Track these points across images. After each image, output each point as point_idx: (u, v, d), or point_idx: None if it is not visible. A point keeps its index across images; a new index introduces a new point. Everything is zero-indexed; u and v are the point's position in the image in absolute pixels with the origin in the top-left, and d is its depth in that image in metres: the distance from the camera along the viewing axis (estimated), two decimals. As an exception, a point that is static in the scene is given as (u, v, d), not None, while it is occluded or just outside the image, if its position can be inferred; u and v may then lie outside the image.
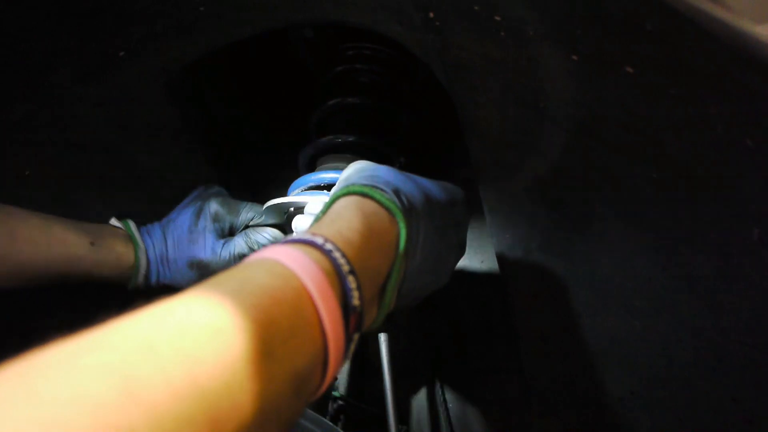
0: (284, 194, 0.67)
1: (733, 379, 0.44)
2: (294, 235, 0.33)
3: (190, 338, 0.22)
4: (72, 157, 0.65)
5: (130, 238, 0.63)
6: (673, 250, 0.47)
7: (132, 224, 0.64)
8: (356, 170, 0.45)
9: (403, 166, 0.73)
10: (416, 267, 0.41)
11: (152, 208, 0.71)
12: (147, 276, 0.64)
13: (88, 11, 0.52)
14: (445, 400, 0.81)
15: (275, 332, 0.25)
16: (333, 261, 0.31)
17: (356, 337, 0.32)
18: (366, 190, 0.39)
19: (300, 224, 0.55)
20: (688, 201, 0.44)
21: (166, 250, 0.64)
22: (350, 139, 0.68)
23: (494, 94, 0.56)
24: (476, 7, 0.44)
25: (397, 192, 0.40)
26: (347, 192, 0.39)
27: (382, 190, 0.39)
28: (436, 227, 0.43)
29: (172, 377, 0.20)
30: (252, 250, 0.66)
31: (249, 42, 0.65)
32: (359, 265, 0.32)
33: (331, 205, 0.39)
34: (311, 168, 0.72)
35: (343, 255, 0.31)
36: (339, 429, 0.57)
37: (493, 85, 0.55)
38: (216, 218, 0.66)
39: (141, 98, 0.68)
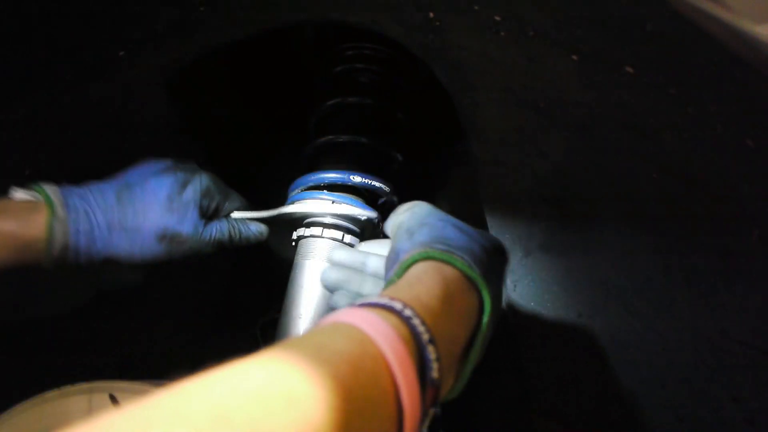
0: (284, 192, 0.67)
1: (733, 379, 0.44)
2: (370, 298, 0.32)
3: (266, 407, 0.21)
4: (72, 157, 0.65)
5: (48, 207, 0.51)
6: (673, 250, 0.48)
7: (48, 187, 0.53)
8: (415, 218, 0.44)
9: (401, 165, 0.73)
10: (491, 333, 0.39)
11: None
12: (75, 248, 0.53)
13: (88, 11, 0.52)
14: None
15: (352, 402, 0.24)
16: (412, 328, 0.30)
17: (432, 412, 0.31)
18: (446, 256, 0.37)
19: (330, 277, 0.52)
20: (688, 201, 0.44)
21: (124, 216, 0.55)
22: (350, 138, 0.68)
23: (494, 94, 0.56)
24: (476, 7, 0.44)
25: (473, 256, 0.39)
26: (426, 256, 0.38)
27: (460, 256, 0.38)
28: (498, 288, 0.42)
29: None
30: (232, 239, 0.61)
31: (249, 42, 0.65)
32: (438, 333, 0.31)
33: (408, 268, 0.38)
34: (311, 167, 0.72)
35: (423, 322, 0.30)
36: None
37: (493, 85, 0.55)
38: (207, 194, 0.60)
39: (141, 98, 0.68)
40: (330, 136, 0.68)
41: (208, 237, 0.59)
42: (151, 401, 0.20)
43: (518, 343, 0.68)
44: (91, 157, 0.67)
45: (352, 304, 0.31)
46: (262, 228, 0.64)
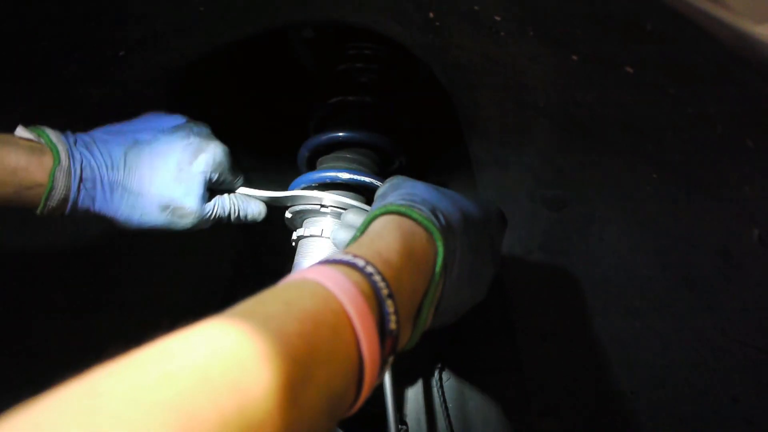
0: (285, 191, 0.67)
1: (733, 379, 0.44)
2: (336, 255, 0.33)
3: (241, 368, 0.23)
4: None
5: (49, 149, 0.48)
6: (673, 250, 0.48)
7: (51, 131, 0.49)
8: (392, 186, 0.45)
9: (404, 166, 0.73)
10: (452, 285, 0.41)
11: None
12: (73, 201, 0.50)
13: (89, 11, 0.52)
14: (445, 400, 0.81)
15: (316, 357, 0.26)
16: (373, 284, 0.32)
17: (391, 359, 0.33)
18: (403, 209, 0.39)
19: (339, 236, 0.54)
20: (688, 201, 0.44)
21: (129, 179, 0.51)
22: (351, 135, 0.68)
23: (494, 93, 0.56)
24: (476, 7, 0.44)
25: (434, 210, 0.40)
26: (385, 211, 0.40)
27: (419, 209, 0.40)
28: (471, 244, 0.43)
29: (224, 409, 0.21)
30: (229, 217, 0.59)
31: (249, 42, 0.65)
32: (397, 286, 0.33)
33: (370, 223, 0.40)
34: (311, 165, 0.72)
35: (383, 278, 0.32)
36: (339, 429, 0.57)
37: (492, 84, 0.55)
38: (217, 168, 0.56)
39: (141, 98, 0.68)
40: (330, 134, 0.68)
41: (209, 212, 0.57)
42: (138, 360, 0.21)
43: (518, 343, 0.68)
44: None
45: (319, 261, 0.33)
46: (262, 207, 0.62)
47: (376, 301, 0.31)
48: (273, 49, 0.85)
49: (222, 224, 0.60)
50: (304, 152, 0.70)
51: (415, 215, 0.39)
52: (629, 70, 0.38)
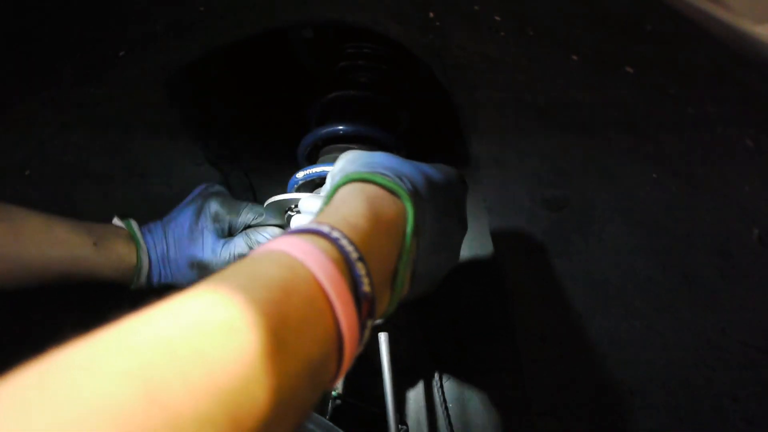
0: (285, 191, 0.67)
1: (733, 379, 0.44)
2: (299, 226, 0.33)
3: (207, 337, 0.22)
4: (72, 157, 0.65)
5: (132, 237, 0.62)
6: (673, 250, 0.48)
7: (134, 224, 0.64)
8: (350, 160, 0.44)
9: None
10: (426, 248, 0.40)
11: (152, 208, 0.71)
12: (149, 276, 0.63)
13: (88, 11, 0.52)
14: (445, 400, 0.81)
15: (288, 325, 0.25)
16: (340, 249, 0.31)
17: (370, 323, 0.32)
18: (367, 175, 0.38)
19: (298, 223, 0.54)
20: (688, 201, 0.44)
21: (167, 250, 0.64)
22: (351, 128, 0.67)
23: (494, 94, 0.56)
24: (476, 7, 0.44)
25: (398, 175, 0.40)
26: (347, 180, 0.39)
27: (383, 174, 0.39)
28: (438, 206, 0.43)
29: (192, 379, 0.20)
30: (252, 250, 0.64)
31: (249, 42, 0.65)
32: (367, 250, 0.32)
33: (333, 194, 0.39)
34: (312, 160, 0.72)
35: (351, 242, 0.31)
36: (339, 429, 0.57)
37: (493, 85, 0.55)
38: (216, 218, 0.66)
39: (141, 98, 0.68)
40: (330, 127, 0.68)
41: (228, 256, 0.65)
42: (98, 336, 0.21)
43: (518, 344, 0.68)
44: (91, 157, 0.67)
45: (283, 233, 0.32)
46: (278, 232, 0.67)
47: (346, 265, 0.30)
48: (273, 48, 0.85)
49: None
50: (302, 148, 0.71)
51: (379, 180, 0.38)
52: (629, 70, 0.38)
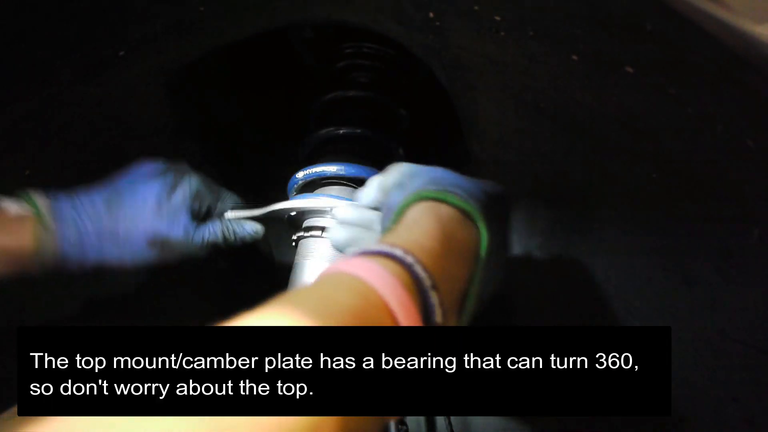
0: (284, 191, 0.67)
1: (733, 379, 0.44)
2: (372, 246, 0.31)
3: None
4: (72, 157, 0.65)
5: (36, 217, 0.52)
6: (673, 250, 0.48)
7: (38, 197, 0.54)
8: (407, 174, 0.42)
9: (402, 158, 0.72)
10: (491, 269, 0.38)
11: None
12: (65, 258, 0.54)
13: (88, 11, 0.52)
14: (445, 400, 0.81)
15: None
16: (414, 275, 0.30)
17: None
18: (440, 195, 0.37)
19: (336, 236, 0.51)
20: (688, 201, 0.44)
21: (114, 224, 0.55)
22: (351, 130, 0.67)
23: (494, 93, 0.56)
24: (476, 7, 0.44)
25: (468, 194, 0.38)
26: (418, 197, 0.37)
27: (455, 193, 0.37)
28: (500, 225, 0.41)
29: (261, 421, 0.21)
30: (227, 239, 0.60)
31: (249, 42, 0.65)
32: (440, 275, 0.31)
33: (402, 212, 0.37)
34: (312, 161, 0.72)
35: (425, 269, 0.30)
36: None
37: (492, 84, 0.55)
38: (197, 196, 0.59)
39: (141, 98, 0.68)
40: (331, 128, 0.68)
41: (200, 240, 0.59)
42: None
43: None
44: (91, 157, 0.67)
45: (353, 253, 0.30)
46: (257, 227, 0.63)
47: (419, 293, 0.29)
48: (273, 47, 0.85)
49: (221, 249, 0.61)
50: (306, 144, 0.71)
51: (453, 200, 0.37)
52: (629, 70, 0.38)
